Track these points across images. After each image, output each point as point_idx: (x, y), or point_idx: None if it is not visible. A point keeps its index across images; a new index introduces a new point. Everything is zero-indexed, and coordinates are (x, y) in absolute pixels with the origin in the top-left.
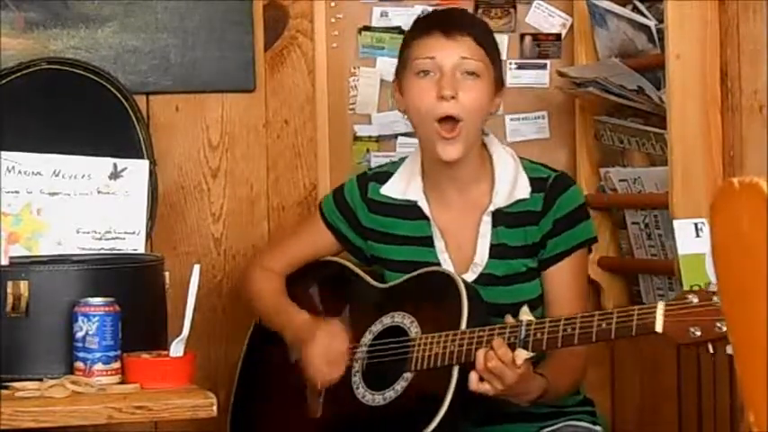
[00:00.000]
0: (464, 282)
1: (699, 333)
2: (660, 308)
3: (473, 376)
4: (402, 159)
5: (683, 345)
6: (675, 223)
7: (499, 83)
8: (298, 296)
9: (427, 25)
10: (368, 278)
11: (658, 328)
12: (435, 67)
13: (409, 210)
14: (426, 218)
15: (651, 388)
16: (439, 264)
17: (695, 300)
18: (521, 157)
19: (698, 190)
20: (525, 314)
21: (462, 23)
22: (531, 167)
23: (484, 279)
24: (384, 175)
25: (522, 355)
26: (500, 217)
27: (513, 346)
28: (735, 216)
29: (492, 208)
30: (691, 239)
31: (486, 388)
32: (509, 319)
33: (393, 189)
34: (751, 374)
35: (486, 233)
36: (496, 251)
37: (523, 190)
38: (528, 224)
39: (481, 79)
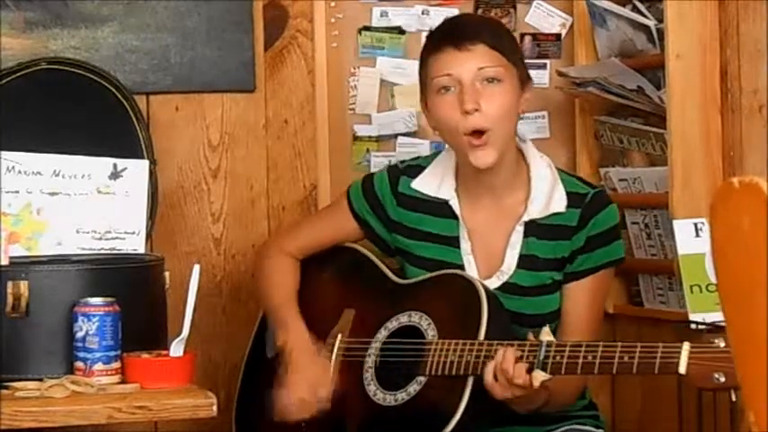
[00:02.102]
0: (486, 290)
1: (723, 379)
2: (685, 349)
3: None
4: (435, 154)
5: (705, 389)
6: (675, 223)
7: (524, 79)
8: (315, 280)
9: (438, 40)
10: (388, 271)
11: (682, 369)
12: (454, 82)
13: (439, 207)
14: (456, 217)
15: (651, 389)
16: (462, 265)
17: (722, 344)
18: (557, 168)
19: (698, 190)
20: (546, 335)
21: (472, 31)
22: (568, 180)
23: (508, 288)
24: (416, 168)
25: (540, 377)
26: (532, 228)
27: (531, 366)
28: (735, 216)
29: (526, 218)
30: (691, 239)
31: (496, 391)
32: (530, 336)
33: (425, 185)
34: (751, 374)
35: (517, 243)
36: (525, 262)
37: (560, 203)
38: (560, 238)
39: (503, 83)
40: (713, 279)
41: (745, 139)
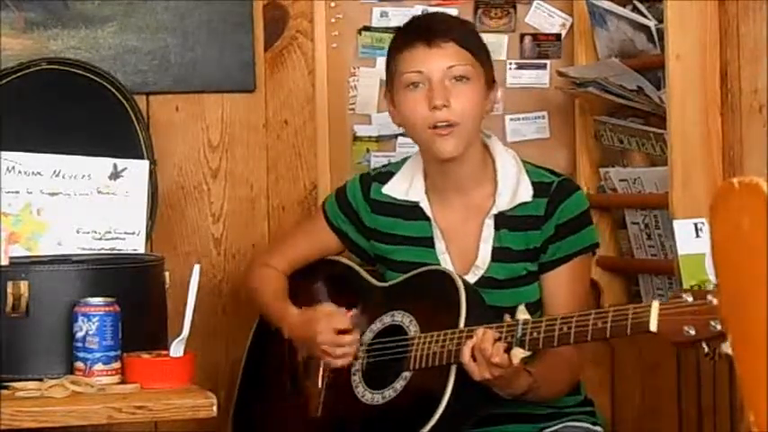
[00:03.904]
0: (463, 280)
1: (693, 332)
2: (655, 307)
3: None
4: (404, 159)
5: (678, 343)
6: (675, 223)
7: (490, 80)
8: (300, 294)
9: (409, 37)
10: (369, 277)
11: (653, 327)
12: (424, 79)
13: (411, 210)
14: (428, 218)
15: (651, 388)
16: (439, 264)
17: (690, 299)
18: (523, 161)
19: (698, 190)
20: (522, 313)
21: (444, 30)
22: (533, 171)
23: (485, 282)
24: (386, 175)
25: (519, 354)
26: (502, 220)
27: (510, 345)
28: (735, 216)
29: (494, 211)
30: (691, 239)
31: (474, 371)
32: (506, 318)
33: (395, 189)
34: (751, 374)
35: (489, 236)
36: (498, 254)
37: (526, 193)
38: (530, 228)
39: (471, 81)
40: (713, 279)
41: (745, 139)
